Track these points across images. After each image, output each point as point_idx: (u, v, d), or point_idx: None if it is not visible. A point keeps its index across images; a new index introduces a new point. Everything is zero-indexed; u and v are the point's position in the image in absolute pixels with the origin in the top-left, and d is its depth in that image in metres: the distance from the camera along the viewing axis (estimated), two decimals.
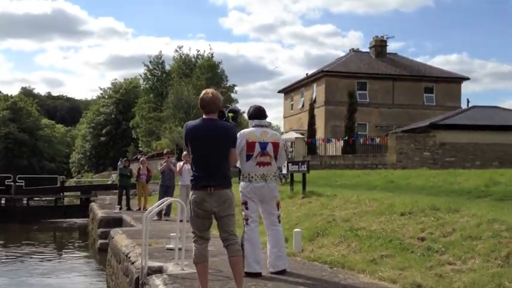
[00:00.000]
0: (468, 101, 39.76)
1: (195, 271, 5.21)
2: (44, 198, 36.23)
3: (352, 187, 14.98)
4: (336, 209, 9.41)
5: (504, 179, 11.96)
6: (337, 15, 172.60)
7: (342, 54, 44.14)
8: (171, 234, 7.96)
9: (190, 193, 5.00)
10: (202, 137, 4.86)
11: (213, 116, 4.97)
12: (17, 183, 30.83)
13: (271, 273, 6.02)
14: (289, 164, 12.44)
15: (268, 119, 6.42)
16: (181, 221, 6.68)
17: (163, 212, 14.32)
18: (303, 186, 11.77)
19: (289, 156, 25.98)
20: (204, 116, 5.00)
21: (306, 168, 11.47)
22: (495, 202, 8.85)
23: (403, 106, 37.52)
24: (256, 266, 5.87)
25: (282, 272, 6.02)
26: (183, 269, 6.38)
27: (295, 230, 7.63)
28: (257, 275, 5.81)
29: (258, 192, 5.98)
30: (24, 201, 30.96)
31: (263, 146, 5.99)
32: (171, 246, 7.88)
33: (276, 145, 6.05)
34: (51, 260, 16.37)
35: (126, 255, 8.07)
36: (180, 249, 6.61)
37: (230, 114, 5.50)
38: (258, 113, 6.22)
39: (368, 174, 19.86)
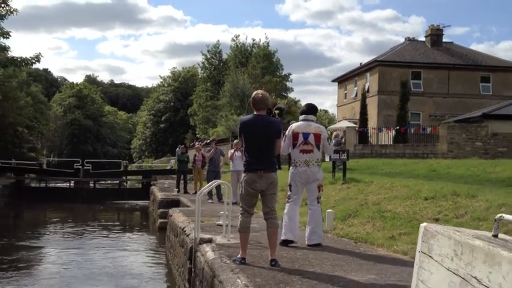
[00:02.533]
0: None
1: (239, 242, 6.36)
2: (108, 181, 38.63)
3: (395, 175, 15.74)
4: (369, 194, 10.34)
5: None
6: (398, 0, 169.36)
7: (403, 40, 43.80)
8: (221, 212, 9.14)
9: (243, 175, 6.12)
10: (254, 130, 5.97)
11: (263, 112, 6.09)
12: (84, 167, 33.13)
13: (307, 245, 7.08)
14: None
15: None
16: (227, 203, 7.84)
17: (216, 196, 15.59)
18: (343, 173, 12.72)
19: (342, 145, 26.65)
20: (255, 112, 6.11)
21: (345, 157, 12.42)
22: None
23: (459, 95, 37.29)
24: (289, 235, 7.06)
25: (316, 245, 7.04)
26: (229, 240, 7.54)
27: (328, 210, 8.65)
28: (288, 242, 6.98)
29: (302, 175, 7.11)
30: (91, 184, 33.27)
31: (305, 136, 7.09)
32: (220, 222, 9.07)
33: (317, 136, 7.10)
34: (115, 236, 18.03)
35: (182, 229, 9.35)
36: (227, 225, 7.79)
37: (276, 111, 6.72)
38: (306, 110, 7.42)
39: (415, 163, 20.44)
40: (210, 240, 7.62)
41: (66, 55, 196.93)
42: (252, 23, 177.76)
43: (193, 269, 7.56)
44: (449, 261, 2.09)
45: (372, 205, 9.30)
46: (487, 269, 1.82)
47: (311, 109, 7.41)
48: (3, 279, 10.72)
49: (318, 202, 7.23)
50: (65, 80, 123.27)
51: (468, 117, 30.15)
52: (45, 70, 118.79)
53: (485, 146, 27.42)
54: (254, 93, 6.21)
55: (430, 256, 2.23)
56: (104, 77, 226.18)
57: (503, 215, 2.24)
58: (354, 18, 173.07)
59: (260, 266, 5.79)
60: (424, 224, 2.37)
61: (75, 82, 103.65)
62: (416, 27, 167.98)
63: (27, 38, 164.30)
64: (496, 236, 2.24)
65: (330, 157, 13.13)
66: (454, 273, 2.04)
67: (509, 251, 1.80)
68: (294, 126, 7.25)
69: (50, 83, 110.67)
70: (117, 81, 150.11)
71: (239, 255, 6.05)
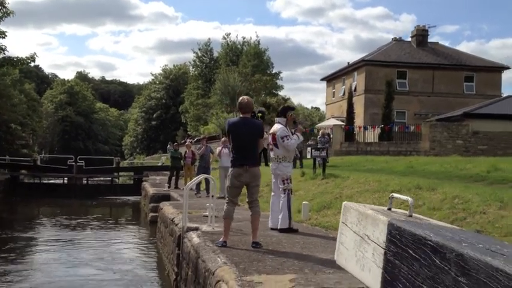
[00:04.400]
0: None
1: (222, 230, 7.23)
2: (101, 178, 39.37)
3: (375, 171, 16.60)
4: (345, 188, 11.25)
5: (505, 166, 13.41)
6: None
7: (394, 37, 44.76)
8: (207, 204, 10.00)
9: (230, 169, 7.00)
10: (240, 131, 6.90)
11: (247, 115, 6.99)
12: (78, 164, 33.83)
13: (273, 228, 8.08)
14: (313, 150, 14.29)
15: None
16: (212, 196, 8.72)
17: (205, 190, 16.45)
18: (322, 170, 13.63)
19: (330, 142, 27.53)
20: (241, 115, 7.01)
21: (325, 154, 13.33)
22: (480, 185, 10.44)
23: (443, 95, 38.31)
24: (269, 223, 8.21)
25: (283, 230, 7.90)
26: (213, 229, 8.41)
27: (304, 202, 9.55)
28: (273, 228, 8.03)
29: (271, 170, 8.06)
30: (84, 180, 33.99)
31: (270, 136, 8.08)
32: (206, 213, 9.92)
33: (273, 135, 8.01)
34: (108, 229, 18.84)
35: (172, 220, 10.21)
36: (212, 215, 8.66)
37: (259, 114, 7.60)
38: (277, 113, 8.36)
39: (396, 160, 21.38)
40: (196, 229, 8.48)
41: (56, 51, 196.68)
42: (244, 20, 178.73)
43: (181, 254, 8.42)
44: (355, 226, 2.94)
45: (345, 198, 10.18)
46: (372, 229, 2.67)
47: (281, 111, 8.37)
48: (1, 266, 11.51)
49: (285, 193, 8.01)
50: (56, 76, 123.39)
51: (450, 116, 31.18)
52: (36, 67, 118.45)
53: (466, 144, 28.40)
54: (240, 98, 7.15)
55: (346, 224, 3.09)
56: (95, 73, 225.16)
57: (394, 194, 3.11)
58: (345, 16, 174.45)
59: (239, 248, 6.66)
60: (344, 202, 3.23)
61: (66, 79, 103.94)
62: (407, 25, 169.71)
63: (16, 34, 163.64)
64: (389, 209, 3.12)
65: (311, 154, 14.02)
66: (357, 234, 2.91)
67: (385, 216, 2.66)
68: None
69: (41, 80, 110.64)
70: (108, 77, 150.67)
71: (221, 239, 6.93)
